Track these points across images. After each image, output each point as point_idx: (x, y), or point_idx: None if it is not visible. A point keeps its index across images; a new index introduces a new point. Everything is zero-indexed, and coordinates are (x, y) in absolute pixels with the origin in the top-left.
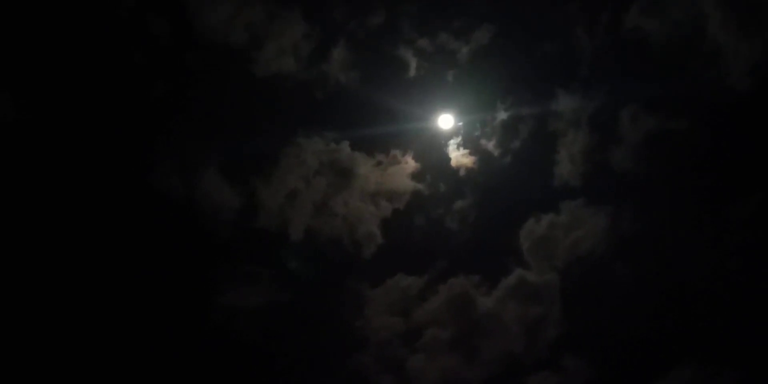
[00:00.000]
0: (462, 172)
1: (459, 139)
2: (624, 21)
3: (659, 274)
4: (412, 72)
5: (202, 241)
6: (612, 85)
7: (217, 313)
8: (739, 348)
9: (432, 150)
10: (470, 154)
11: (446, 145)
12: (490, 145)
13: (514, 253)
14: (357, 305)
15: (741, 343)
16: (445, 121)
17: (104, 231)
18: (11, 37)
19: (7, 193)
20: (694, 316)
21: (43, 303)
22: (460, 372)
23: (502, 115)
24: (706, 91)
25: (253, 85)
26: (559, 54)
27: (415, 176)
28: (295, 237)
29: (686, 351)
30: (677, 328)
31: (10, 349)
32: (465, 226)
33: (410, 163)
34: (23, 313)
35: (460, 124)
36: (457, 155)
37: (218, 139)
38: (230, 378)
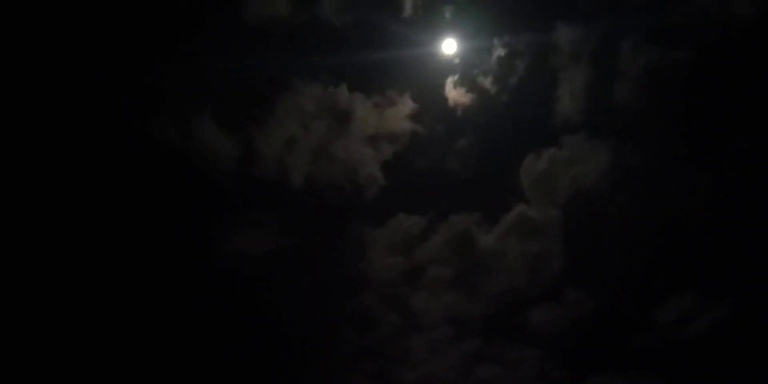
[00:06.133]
0: (460, 111)
1: (456, 77)
2: None
3: (660, 207)
4: (408, 11)
5: (203, 191)
6: (613, 17)
7: (221, 260)
8: (735, 277)
9: (429, 89)
10: (468, 91)
11: (444, 84)
12: (488, 82)
13: (515, 190)
14: (359, 246)
15: (737, 272)
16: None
17: (102, 187)
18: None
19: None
20: (693, 247)
21: (50, 252)
22: (463, 308)
23: (500, 52)
24: (709, 20)
25: (245, 32)
26: None
27: (413, 117)
28: (295, 182)
29: (684, 281)
30: (676, 259)
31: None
32: (465, 165)
33: (408, 104)
34: (26, 266)
35: (457, 62)
36: (455, 94)
37: (212, 88)
38: (236, 324)
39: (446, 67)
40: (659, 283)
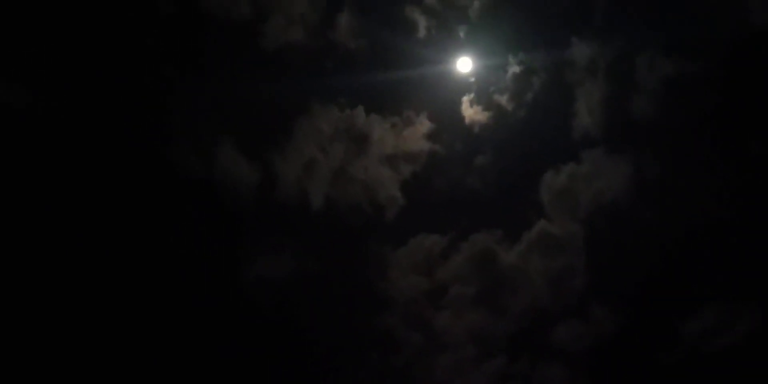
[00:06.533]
0: (477, 129)
1: (472, 95)
2: None
3: (682, 219)
4: (422, 32)
5: (224, 217)
6: (627, 31)
7: (244, 285)
8: (763, 285)
9: (446, 108)
10: (484, 109)
11: (460, 103)
12: (504, 99)
13: (536, 207)
14: (381, 267)
15: (765, 280)
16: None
17: (128, 212)
18: (20, 23)
19: (30, 176)
20: (717, 257)
21: (76, 278)
22: (487, 326)
23: (515, 69)
24: (725, 32)
25: (263, 58)
26: (573, 2)
27: (431, 136)
28: (316, 205)
29: (711, 292)
30: (701, 271)
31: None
32: (484, 182)
33: (425, 124)
34: (51, 292)
35: (473, 80)
36: (472, 112)
37: (232, 115)
38: (260, 347)
39: (462, 86)
40: (685, 295)
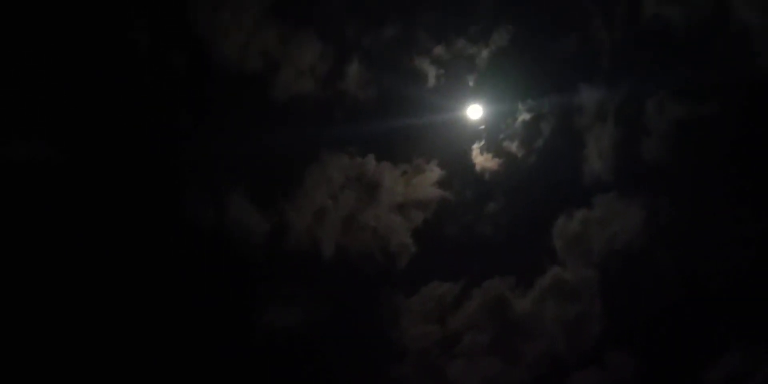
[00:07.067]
0: (488, 176)
1: (482, 143)
2: (642, 10)
3: (698, 263)
4: (431, 81)
5: (236, 266)
6: (636, 76)
7: (256, 335)
8: None
9: (456, 156)
10: (494, 157)
11: (470, 150)
12: (514, 146)
13: (548, 253)
14: (393, 316)
15: None
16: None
17: (139, 262)
18: (38, 77)
19: (42, 227)
20: (737, 301)
21: (86, 331)
22: (502, 375)
23: (525, 116)
24: (734, 74)
25: (273, 108)
26: (579, 49)
27: (442, 184)
28: (327, 253)
29: (733, 337)
30: (720, 315)
31: None
32: (496, 229)
33: (435, 171)
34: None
35: (482, 127)
36: (482, 159)
37: (243, 164)
38: None
39: (472, 133)
40: (706, 340)
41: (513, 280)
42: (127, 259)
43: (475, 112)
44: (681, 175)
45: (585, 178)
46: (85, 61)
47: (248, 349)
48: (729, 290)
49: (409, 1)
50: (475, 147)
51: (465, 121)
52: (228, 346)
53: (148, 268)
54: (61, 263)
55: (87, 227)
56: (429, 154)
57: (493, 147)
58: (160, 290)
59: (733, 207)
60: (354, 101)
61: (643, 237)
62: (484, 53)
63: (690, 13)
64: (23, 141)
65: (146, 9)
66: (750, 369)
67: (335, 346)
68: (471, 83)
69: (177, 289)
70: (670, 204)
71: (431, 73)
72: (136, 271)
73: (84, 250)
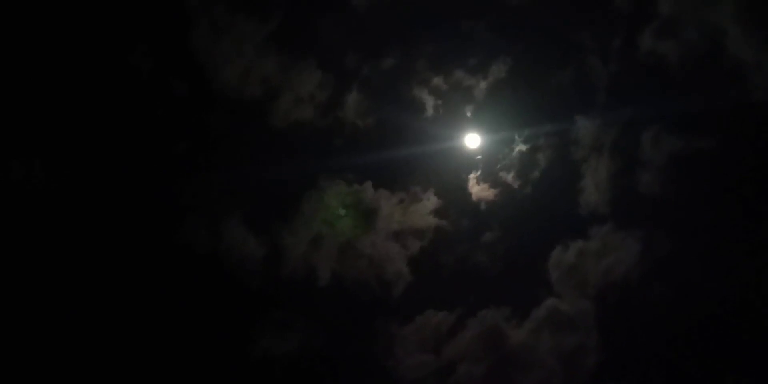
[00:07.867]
0: (484, 206)
1: (479, 172)
2: (638, 44)
3: (695, 295)
4: (429, 111)
5: (231, 293)
6: (632, 109)
7: (250, 361)
8: None
9: (453, 185)
10: (491, 187)
11: (467, 180)
12: (510, 176)
13: (544, 283)
14: (388, 344)
15: None
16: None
17: (136, 287)
18: (40, 102)
19: (38, 252)
20: (733, 333)
21: (85, 358)
22: None
23: (521, 147)
24: (729, 108)
25: (271, 136)
26: (576, 81)
27: (438, 213)
28: (322, 280)
29: (729, 369)
30: (719, 348)
31: None
32: (492, 259)
33: (432, 200)
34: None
35: (479, 157)
36: (478, 189)
37: (240, 191)
38: None
39: (469, 163)
40: (702, 373)
41: (509, 310)
42: (124, 284)
43: (472, 142)
44: (677, 207)
45: (581, 209)
46: (88, 87)
47: (242, 375)
48: (725, 322)
49: (409, 33)
50: (472, 176)
51: (462, 150)
52: (222, 373)
53: (146, 293)
54: (60, 287)
55: (84, 252)
56: (426, 183)
57: (490, 177)
58: (156, 315)
59: (729, 239)
60: (353, 129)
61: (639, 269)
62: (482, 84)
63: (685, 47)
64: (24, 168)
65: (148, 35)
66: None
67: (330, 373)
68: (468, 114)
69: (173, 315)
70: (666, 236)
71: (429, 103)
72: (133, 295)
73: (82, 275)
